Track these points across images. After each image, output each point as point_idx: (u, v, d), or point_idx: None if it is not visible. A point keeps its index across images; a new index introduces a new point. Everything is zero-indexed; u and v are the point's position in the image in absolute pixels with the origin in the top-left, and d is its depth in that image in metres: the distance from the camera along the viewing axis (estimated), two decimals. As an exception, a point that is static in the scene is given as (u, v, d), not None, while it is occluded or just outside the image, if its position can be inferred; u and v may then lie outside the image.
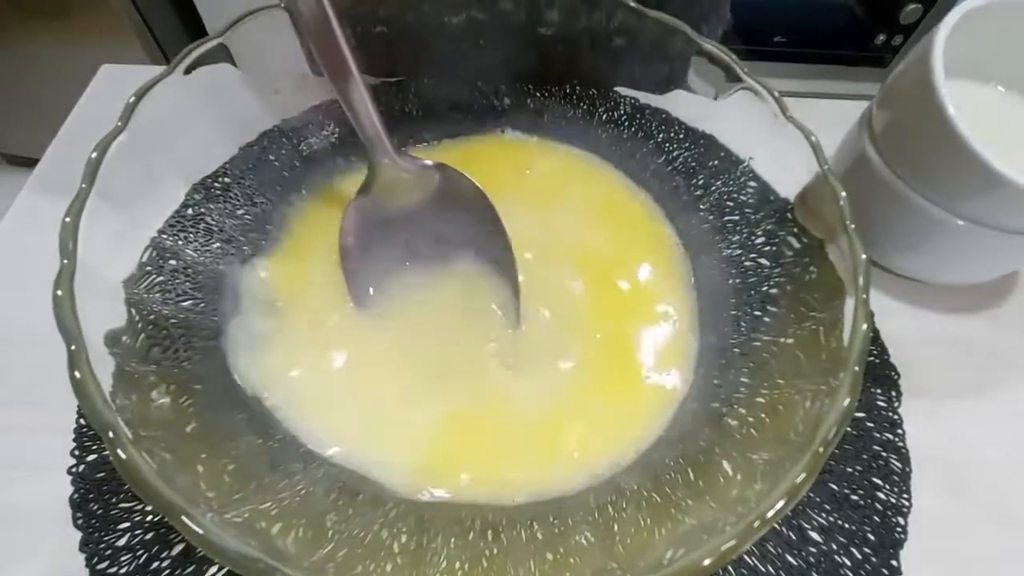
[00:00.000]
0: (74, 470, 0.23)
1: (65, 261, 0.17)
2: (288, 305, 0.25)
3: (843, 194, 0.20)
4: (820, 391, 0.18)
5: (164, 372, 0.20)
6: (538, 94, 0.31)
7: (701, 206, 0.28)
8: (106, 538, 0.22)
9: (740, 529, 0.14)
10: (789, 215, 0.24)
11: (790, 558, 0.23)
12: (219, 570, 0.21)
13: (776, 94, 0.23)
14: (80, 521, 0.22)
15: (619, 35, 0.27)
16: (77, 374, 0.15)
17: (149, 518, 0.22)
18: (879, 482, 0.24)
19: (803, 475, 0.15)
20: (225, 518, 0.16)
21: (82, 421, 0.24)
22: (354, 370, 0.24)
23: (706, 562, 0.14)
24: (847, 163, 0.30)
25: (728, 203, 0.27)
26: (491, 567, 0.19)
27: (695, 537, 0.17)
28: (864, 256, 0.18)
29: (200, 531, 0.14)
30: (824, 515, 0.23)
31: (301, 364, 0.24)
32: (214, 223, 0.25)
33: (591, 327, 0.26)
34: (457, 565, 0.19)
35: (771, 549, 0.23)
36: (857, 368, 0.16)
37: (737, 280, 0.26)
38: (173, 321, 0.22)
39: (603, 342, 0.26)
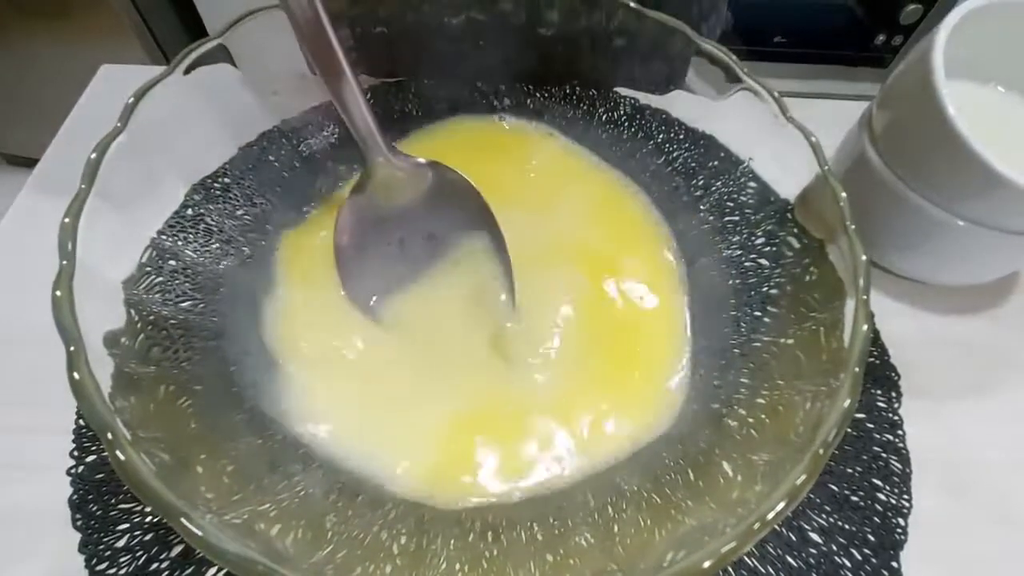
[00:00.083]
0: (73, 471, 0.23)
1: (64, 262, 0.17)
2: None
3: (843, 195, 0.20)
4: (820, 392, 0.18)
5: (163, 373, 0.20)
6: (538, 94, 0.31)
7: (701, 207, 0.28)
8: (105, 539, 0.22)
9: (740, 531, 0.14)
10: (789, 216, 0.24)
11: (790, 559, 0.23)
12: (218, 571, 0.21)
13: (776, 94, 0.23)
14: (79, 522, 0.22)
15: (619, 35, 0.27)
16: (76, 375, 0.15)
17: (148, 519, 0.22)
18: (879, 483, 0.24)
19: (803, 476, 0.15)
20: (224, 519, 0.16)
21: (81, 422, 0.24)
22: (355, 370, 0.24)
23: (706, 564, 0.14)
24: (847, 163, 0.30)
25: (728, 203, 0.27)
26: (491, 568, 0.19)
27: (695, 539, 0.17)
28: (864, 257, 0.18)
29: (199, 533, 0.14)
30: (824, 516, 0.23)
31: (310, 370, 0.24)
32: (214, 224, 0.25)
33: (589, 324, 0.26)
34: (457, 567, 0.19)
35: (771, 550, 0.23)
36: (857, 369, 0.16)
37: (737, 281, 0.26)
38: (172, 322, 0.22)
39: (601, 339, 0.26)
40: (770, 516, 0.14)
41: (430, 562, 0.19)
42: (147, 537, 0.22)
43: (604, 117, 0.31)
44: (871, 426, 0.26)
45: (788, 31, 0.88)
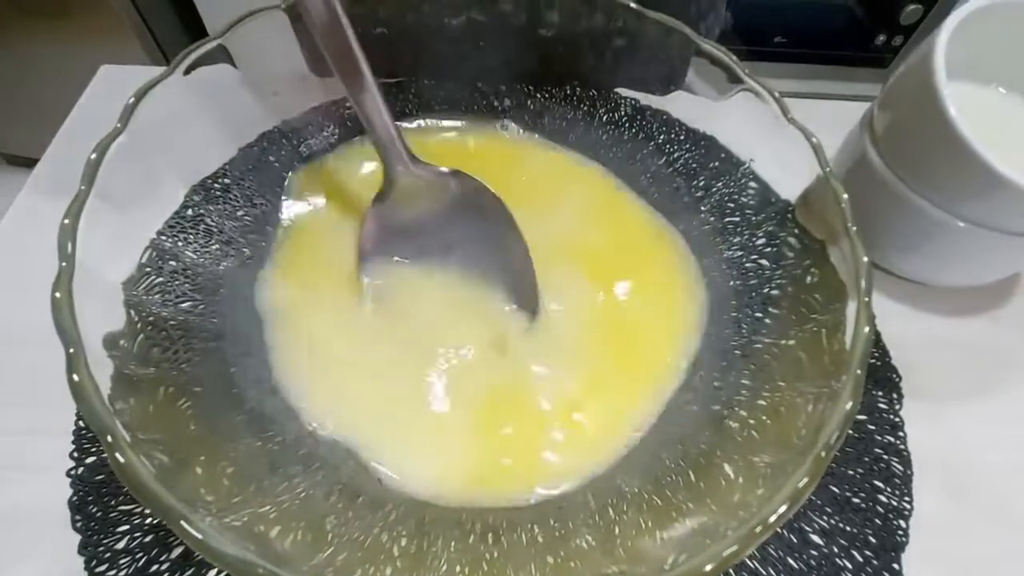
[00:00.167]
0: (73, 472, 0.23)
1: (64, 263, 0.17)
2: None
3: (845, 196, 0.20)
4: (822, 394, 0.18)
5: (163, 374, 0.20)
6: (538, 95, 0.31)
7: (702, 207, 0.28)
8: (105, 541, 0.22)
9: (742, 534, 0.14)
10: (790, 217, 0.24)
11: (791, 561, 0.22)
12: (218, 574, 0.21)
13: (777, 95, 0.23)
14: (79, 524, 0.22)
15: (619, 36, 0.27)
16: (76, 377, 0.15)
17: (148, 521, 0.22)
18: (880, 485, 0.24)
19: (805, 479, 0.15)
20: (224, 522, 0.16)
21: (81, 423, 0.24)
22: (378, 382, 0.24)
23: (708, 567, 0.14)
24: (848, 164, 0.29)
25: (729, 204, 0.27)
26: (491, 570, 0.19)
27: (697, 541, 0.17)
28: (866, 259, 0.18)
29: (199, 536, 0.14)
30: (825, 518, 0.23)
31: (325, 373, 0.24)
32: (214, 224, 0.25)
33: (595, 326, 0.26)
34: (457, 568, 0.18)
35: (772, 552, 0.23)
36: (859, 371, 0.16)
37: (738, 281, 0.26)
38: (172, 323, 0.22)
39: (608, 340, 0.26)
40: (772, 519, 0.14)
41: (430, 564, 0.19)
42: (147, 539, 0.22)
43: (605, 118, 0.31)
44: (872, 428, 0.26)
45: (788, 31, 0.88)
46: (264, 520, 0.18)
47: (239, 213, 0.26)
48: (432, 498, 0.22)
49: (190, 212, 0.24)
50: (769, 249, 0.25)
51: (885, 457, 0.25)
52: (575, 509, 0.21)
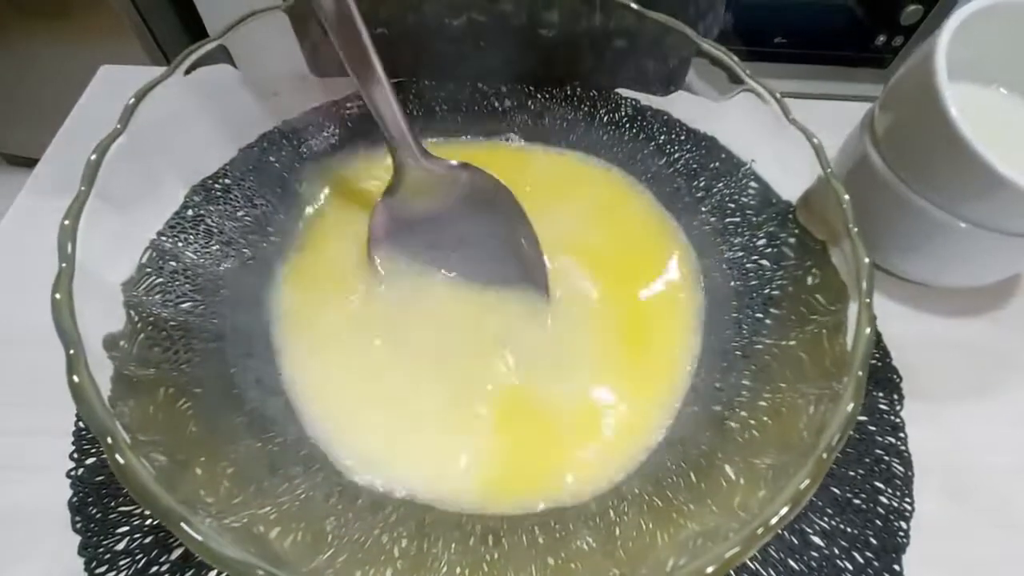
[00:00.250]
0: (73, 473, 0.23)
1: (63, 264, 0.17)
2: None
3: (846, 197, 0.20)
4: (823, 395, 0.18)
5: (163, 375, 0.20)
6: (539, 96, 0.31)
7: (702, 208, 0.28)
8: (105, 542, 0.22)
9: (744, 536, 0.14)
10: (791, 217, 0.24)
11: (792, 562, 0.22)
12: (218, 575, 0.21)
13: (778, 96, 0.23)
14: (79, 525, 0.22)
15: (620, 36, 0.27)
16: (75, 378, 0.15)
17: (148, 522, 0.22)
18: (881, 486, 0.24)
19: (807, 481, 0.15)
20: (224, 523, 0.16)
21: (81, 424, 0.24)
22: (389, 387, 0.24)
23: (710, 569, 0.14)
24: (849, 165, 0.29)
25: (730, 205, 0.27)
26: (492, 572, 0.19)
27: (698, 543, 0.17)
28: (867, 260, 0.18)
29: (199, 537, 0.14)
30: (826, 519, 0.23)
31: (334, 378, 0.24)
32: (214, 225, 0.25)
33: (604, 326, 0.26)
34: (458, 570, 0.18)
35: (773, 553, 0.23)
36: (861, 373, 0.16)
37: (738, 282, 0.26)
38: (172, 323, 0.22)
39: (614, 341, 0.26)
40: (773, 521, 0.14)
41: (431, 566, 0.19)
42: (147, 540, 0.22)
43: (605, 118, 0.31)
44: (873, 429, 0.26)
45: (788, 32, 0.87)
46: (264, 521, 0.18)
47: (239, 214, 0.26)
48: (448, 507, 0.21)
49: (190, 213, 0.24)
50: (770, 250, 0.25)
51: (886, 458, 0.25)
52: (575, 511, 0.21)
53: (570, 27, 0.28)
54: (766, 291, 0.25)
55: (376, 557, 0.18)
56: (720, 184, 0.27)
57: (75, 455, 0.23)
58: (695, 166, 0.29)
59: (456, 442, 0.23)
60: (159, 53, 0.86)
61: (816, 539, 0.23)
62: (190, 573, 0.21)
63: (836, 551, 0.23)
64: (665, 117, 0.29)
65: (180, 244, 0.23)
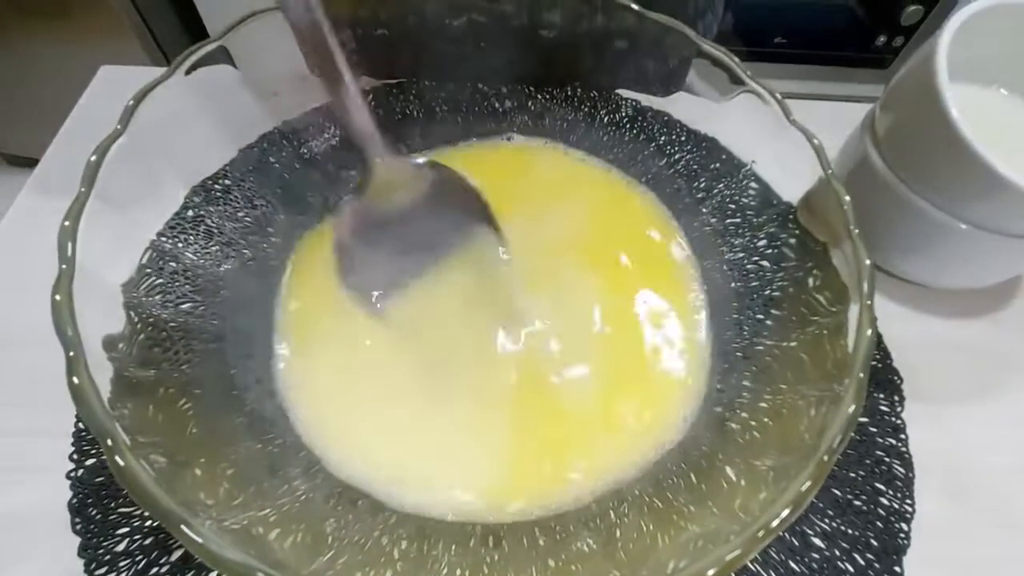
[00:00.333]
0: (73, 474, 0.23)
1: (63, 266, 0.17)
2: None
3: (847, 199, 0.20)
4: (824, 397, 0.18)
5: (163, 376, 0.20)
6: (539, 96, 0.31)
7: (703, 209, 0.28)
8: (105, 543, 0.22)
9: (745, 539, 0.14)
10: (791, 218, 0.24)
11: (793, 564, 0.22)
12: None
13: (779, 96, 0.23)
14: (79, 526, 0.22)
15: (620, 37, 0.27)
16: (75, 380, 0.15)
17: (148, 523, 0.22)
18: (882, 487, 0.24)
19: (808, 483, 0.15)
20: (223, 525, 0.16)
21: (81, 425, 0.24)
22: (373, 391, 0.24)
23: (710, 572, 0.14)
24: (850, 166, 0.29)
25: (730, 206, 0.27)
26: (492, 574, 0.19)
27: (698, 545, 0.17)
28: (868, 262, 0.18)
29: (199, 539, 0.14)
30: (827, 521, 0.23)
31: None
32: (214, 225, 0.25)
33: (602, 325, 0.26)
34: (458, 572, 0.18)
35: (774, 555, 0.23)
36: (862, 375, 0.16)
37: (739, 283, 0.26)
38: (172, 324, 0.22)
39: (615, 340, 0.26)
40: (775, 524, 0.14)
41: (431, 568, 0.19)
42: (147, 541, 0.22)
43: (606, 119, 0.31)
44: (874, 430, 0.26)
45: (788, 32, 0.87)
46: (264, 523, 0.18)
47: (239, 214, 0.26)
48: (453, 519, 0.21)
49: (190, 213, 0.24)
50: (770, 251, 0.25)
51: (887, 459, 0.25)
52: (576, 512, 0.21)
53: (570, 28, 0.28)
54: (767, 292, 0.24)
55: (376, 559, 0.18)
56: (721, 185, 0.27)
57: (75, 456, 0.23)
58: (695, 167, 0.28)
59: (457, 449, 0.23)
60: (159, 53, 0.86)
61: (817, 541, 0.23)
62: (190, 574, 0.21)
63: (837, 553, 0.23)
64: (665, 118, 0.29)
65: (180, 245, 0.23)
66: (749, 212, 0.26)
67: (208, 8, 0.82)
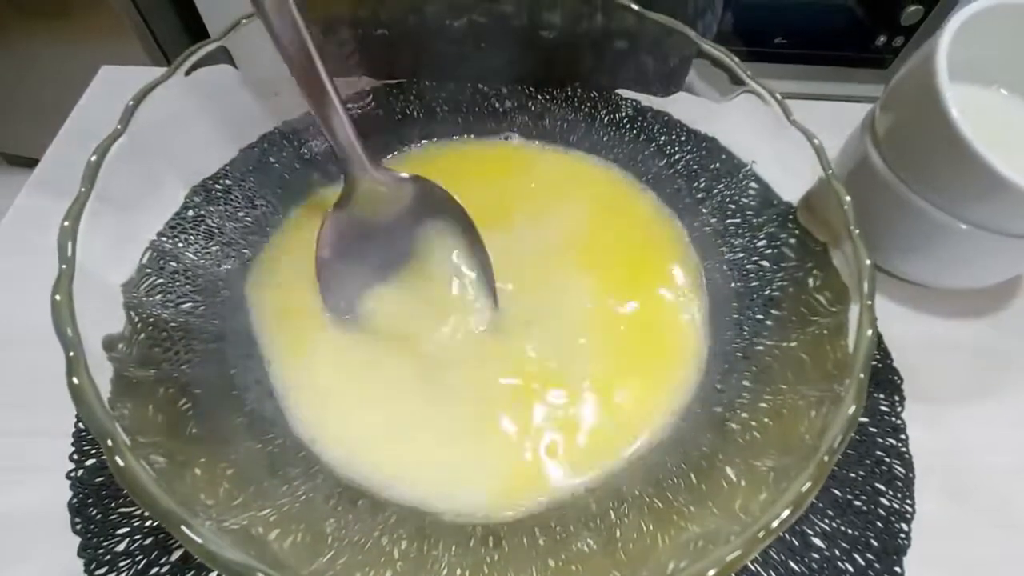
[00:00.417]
0: (73, 474, 0.23)
1: (63, 266, 0.17)
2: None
3: (847, 199, 0.20)
4: (824, 397, 0.18)
5: (163, 376, 0.20)
6: (539, 96, 0.31)
7: (703, 209, 0.28)
8: (105, 543, 0.22)
9: (745, 539, 0.14)
10: (792, 219, 0.24)
11: (793, 564, 0.22)
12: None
13: (779, 97, 0.23)
14: (79, 526, 0.22)
15: (620, 37, 0.27)
16: (75, 380, 0.15)
17: (148, 523, 0.22)
18: (882, 487, 0.24)
19: (809, 484, 0.15)
20: (223, 525, 0.16)
21: (81, 425, 0.24)
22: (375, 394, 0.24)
23: (711, 572, 0.14)
24: (850, 166, 0.29)
25: (730, 206, 0.27)
26: (492, 574, 0.18)
27: (699, 545, 0.17)
28: (869, 262, 0.18)
29: (199, 540, 0.14)
30: (827, 521, 0.23)
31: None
32: (214, 225, 0.25)
33: (603, 327, 0.26)
34: (458, 572, 0.18)
35: (773, 555, 0.23)
36: (862, 375, 0.16)
37: (739, 283, 0.26)
38: (173, 324, 0.22)
39: (615, 341, 0.26)
40: (775, 524, 0.14)
41: (431, 568, 0.19)
42: (147, 541, 0.22)
43: (606, 119, 0.31)
44: (874, 430, 0.26)
45: (788, 32, 0.88)
46: (264, 523, 0.18)
47: (240, 214, 0.26)
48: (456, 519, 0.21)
49: (191, 213, 0.24)
50: (771, 251, 0.25)
51: (887, 460, 0.25)
52: (576, 512, 0.21)
53: (571, 28, 0.28)
54: (767, 292, 0.24)
55: (376, 559, 0.18)
56: (721, 185, 0.27)
57: (75, 456, 0.23)
58: (696, 167, 0.28)
59: (457, 446, 0.23)
60: (159, 53, 0.86)
61: (817, 541, 0.23)
62: (190, 574, 0.21)
63: (837, 553, 0.23)
64: (666, 118, 0.29)
65: (180, 245, 0.23)
66: (749, 212, 0.26)
67: (208, 8, 0.82)
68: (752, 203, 0.26)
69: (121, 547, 0.22)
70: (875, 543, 0.23)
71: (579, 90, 0.31)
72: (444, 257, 0.27)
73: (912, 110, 0.26)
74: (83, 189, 0.18)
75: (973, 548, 0.24)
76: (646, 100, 0.30)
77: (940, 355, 0.28)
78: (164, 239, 0.23)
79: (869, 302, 0.18)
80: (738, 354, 0.24)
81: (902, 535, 0.23)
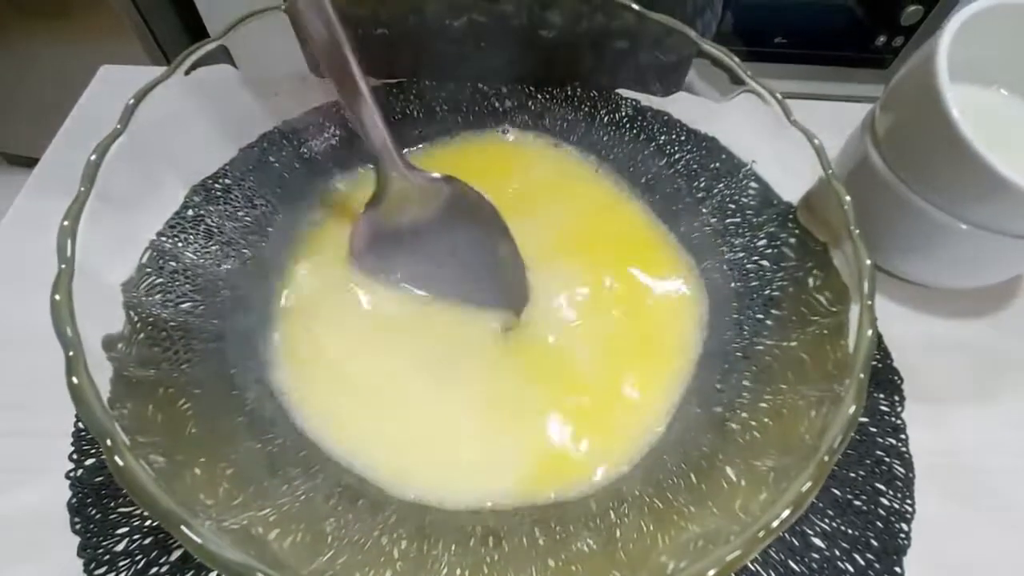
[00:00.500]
0: (72, 474, 0.23)
1: (63, 265, 0.17)
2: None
3: (847, 199, 0.20)
4: (824, 397, 0.18)
5: (163, 376, 0.20)
6: (539, 96, 0.31)
7: (703, 209, 0.28)
8: (104, 543, 0.22)
9: (745, 539, 0.14)
10: (792, 218, 0.24)
11: (793, 564, 0.22)
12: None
13: (779, 97, 0.23)
14: (78, 526, 0.22)
15: (620, 37, 0.27)
16: (75, 380, 0.15)
17: (148, 523, 0.22)
18: (882, 487, 0.24)
19: (809, 484, 0.15)
20: (223, 525, 0.16)
21: (80, 425, 0.24)
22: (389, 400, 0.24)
23: (711, 572, 0.14)
24: (850, 166, 0.29)
25: (730, 206, 0.27)
26: (492, 574, 0.18)
27: (699, 545, 0.17)
28: (869, 262, 0.18)
29: (198, 540, 0.14)
30: (827, 521, 0.23)
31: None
32: (214, 225, 0.25)
33: (602, 328, 0.26)
34: (458, 572, 0.18)
35: (773, 555, 0.23)
36: (862, 375, 0.16)
37: (739, 283, 0.26)
38: (172, 324, 0.22)
39: (615, 341, 0.26)
40: (775, 524, 0.14)
41: (431, 567, 0.19)
42: (146, 541, 0.22)
43: (606, 119, 0.31)
44: (874, 430, 0.26)
45: (788, 32, 0.88)
46: (263, 523, 0.18)
47: (240, 214, 0.26)
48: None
49: (190, 213, 0.24)
50: (770, 251, 0.25)
51: (887, 460, 0.25)
52: (576, 512, 0.21)
53: (570, 28, 0.28)
54: (767, 292, 0.24)
55: (376, 559, 0.18)
56: (721, 185, 0.27)
57: (74, 456, 0.23)
58: (695, 167, 0.28)
59: (459, 444, 0.23)
60: (159, 53, 0.86)
61: (817, 541, 0.23)
62: (190, 574, 0.21)
63: (837, 553, 0.23)
64: (665, 118, 0.29)
65: (180, 244, 0.23)
66: (749, 212, 0.26)
67: (208, 8, 0.82)
68: (752, 203, 0.26)
69: (121, 547, 0.22)
70: (875, 543, 0.23)
71: (579, 90, 0.31)
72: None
73: (912, 110, 0.26)
74: (83, 189, 0.18)
75: (973, 548, 0.24)
76: (646, 100, 0.30)
77: (940, 355, 0.28)
78: (164, 239, 0.23)
79: (869, 302, 0.18)
80: (738, 354, 0.24)
81: (902, 535, 0.23)
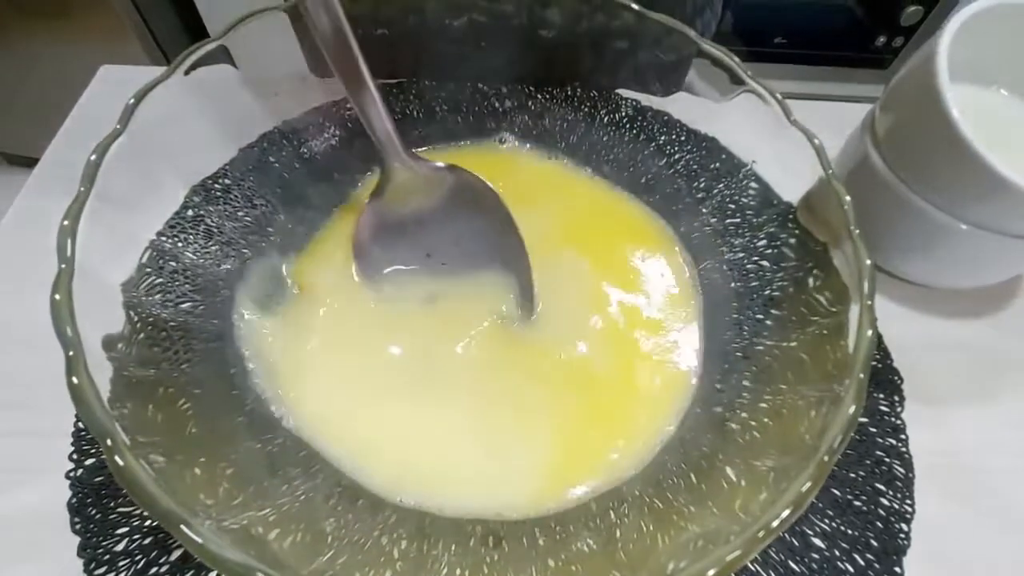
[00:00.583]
0: (72, 474, 0.23)
1: (63, 265, 0.17)
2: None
3: (847, 199, 0.20)
4: (824, 397, 0.18)
5: (163, 375, 0.20)
6: (539, 96, 0.31)
7: (703, 209, 0.28)
8: (104, 543, 0.22)
9: (745, 539, 0.14)
10: (792, 219, 0.24)
11: (792, 564, 0.22)
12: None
13: (779, 97, 0.23)
14: (78, 526, 0.22)
15: (620, 37, 0.27)
16: (75, 380, 0.15)
17: (148, 523, 0.22)
18: (882, 488, 0.24)
19: (809, 484, 0.15)
20: (223, 525, 0.16)
21: (80, 425, 0.24)
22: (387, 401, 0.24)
23: (710, 572, 0.14)
24: (850, 166, 0.29)
25: (730, 206, 0.27)
26: (492, 574, 0.18)
27: (699, 545, 0.17)
28: (869, 262, 0.18)
29: (198, 540, 0.14)
30: (827, 521, 0.23)
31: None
32: (214, 225, 0.25)
33: (602, 328, 0.26)
34: (458, 572, 0.18)
35: (773, 555, 0.23)
36: (863, 375, 0.16)
37: (739, 283, 0.26)
38: (172, 324, 0.22)
39: (614, 341, 0.26)
40: (775, 524, 0.14)
41: (431, 567, 0.19)
42: (146, 541, 0.22)
43: (605, 119, 0.31)
44: (874, 430, 0.26)
45: (788, 32, 0.88)
46: (263, 523, 0.18)
47: (239, 214, 0.26)
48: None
49: (190, 213, 0.24)
50: (770, 251, 0.25)
51: (887, 460, 0.25)
52: (576, 512, 0.21)
53: (570, 28, 0.28)
54: (767, 292, 0.24)
55: (376, 559, 0.18)
56: (721, 185, 0.27)
57: (74, 456, 0.23)
58: (695, 167, 0.28)
59: (459, 445, 0.23)
60: (159, 53, 0.86)
61: (817, 541, 0.23)
62: (189, 574, 0.21)
63: (837, 553, 0.23)
64: (665, 118, 0.29)
65: (180, 244, 0.23)
66: (749, 212, 0.26)
67: (208, 8, 0.82)
68: (752, 203, 0.26)
69: (120, 547, 0.22)
70: (875, 543, 0.23)
71: (579, 90, 0.31)
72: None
73: (912, 110, 0.26)
74: (83, 188, 0.18)
75: (973, 548, 0.24)
76: (646, 100, 0.30)
77: (940, 355, 0.28)
78: (164, 239, 0.23)
79: (869, 302, 0.18)
80: (738, 354, 0.24)
81: (902, 535, 0.23)
